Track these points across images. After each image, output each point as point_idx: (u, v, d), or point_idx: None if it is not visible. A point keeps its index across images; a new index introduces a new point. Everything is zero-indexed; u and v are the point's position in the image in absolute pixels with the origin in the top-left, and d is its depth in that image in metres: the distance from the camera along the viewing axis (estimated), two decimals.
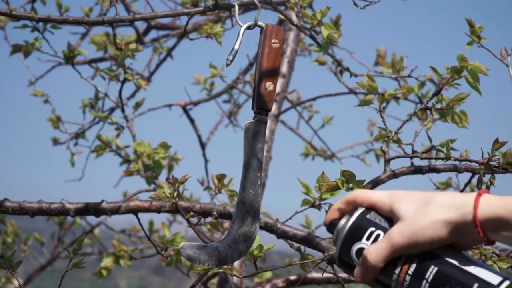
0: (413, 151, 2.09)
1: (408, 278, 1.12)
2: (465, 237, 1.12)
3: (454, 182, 2.57)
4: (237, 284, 2.79)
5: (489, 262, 1.81)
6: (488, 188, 1.97)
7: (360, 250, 1.15)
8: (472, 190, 2.59)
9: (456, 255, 1.12)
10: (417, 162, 2.14)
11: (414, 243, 1.11)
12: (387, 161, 2.10)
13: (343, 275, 2.48)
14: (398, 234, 1.12)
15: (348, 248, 1.16)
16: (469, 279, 1.10)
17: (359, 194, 1.18)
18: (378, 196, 1.17)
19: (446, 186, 2.58)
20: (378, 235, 1.15)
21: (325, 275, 2.60)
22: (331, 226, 1.19)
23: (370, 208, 1.17)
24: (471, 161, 2.01)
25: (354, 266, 1.16)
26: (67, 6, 2.61)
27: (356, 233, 1.16)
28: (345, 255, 1.17)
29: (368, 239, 1.15)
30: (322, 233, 2.14)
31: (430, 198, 1.13)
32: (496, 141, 1.91)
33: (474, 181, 2.37)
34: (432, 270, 1.11)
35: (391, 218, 1.15)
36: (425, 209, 1.12)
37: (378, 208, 1.16)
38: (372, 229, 1.15)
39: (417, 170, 2.12)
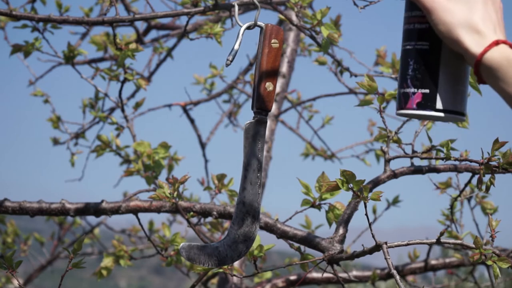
0: (413, 151, 2.09)
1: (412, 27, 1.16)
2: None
3: (454, 182, 2.56)
4: (237, 284, 2.79)
5: (489, 262, 1.81)
6: (488, 188, 1.97)
7: None
8: (472, 190, 2.59)
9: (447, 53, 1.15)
10: (417, 162, 2.15)
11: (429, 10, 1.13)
12: (387, 161, 2.10)
13: (343, 275, 2.48)
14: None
15: None
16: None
17: None
18: None
19: (446, 186, 2.58)
20: None
21: (325, 275, 2.60)
22: None
23: None
24: (471, 161, 2.01)
25: None
26: (67, 6, 2.61)
27: None
28: None
29: None
30: (322, 233, 2.14)
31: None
32: (496, 141, 1.91)
33: (474, 181, 2.37)
34: (424, 45, 1.15)
35: None
36: (460, 4, 1.12)
37: None
38: None
39: (417, 170, 2.12)
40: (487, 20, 1.12)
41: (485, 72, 1.11)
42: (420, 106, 1.15)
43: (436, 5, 1.12)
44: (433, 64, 1.15)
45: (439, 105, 1.14)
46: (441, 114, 1.15)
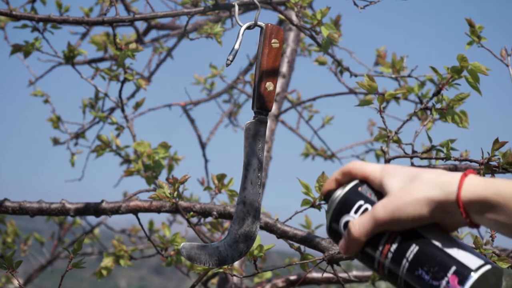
0: (413, 151, 2.09)
1: (389, 255, 1.11)
2: (448, 217, 1.09)
3: None
4: (237, 284, 2.79)
5: None
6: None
7: (347, 223, 1.14)
8: None
9: (440, 236, 1.10)
10: (417, 162, 2.14)
11: (396, 219, 1.09)
12: (387, 161, 2.09)
13: (343, 275, 2.48)
14: (381, 208, 1.10)
15: (337, 219, 1.16)
16: (448, 261, 1.08)
17: (355, 165, 1.16)
18: (371, 168, 1.15)
19: None
20: (366, 209, 1.14)
21: (325, 275, 2.60)
22: (326, 196, 1.19)
23: (363, 180, 1.16)
24: (471, 161, 2.01)
25: (341, 237, 1.16)
26: (67, 6, 2.61)
27: (346, 205, 1.15)
28: (335, 225, 1.16)
29: (356, 212, 1.14)
30: (322, 233, 2.15)
31: (417, 175, 1.10)
32: (496, 141, 1.91)
33: None
34: (413, 249, 1.10)
35: (381, 192, 1.14)
36: (410, 185, 1.09)
37: (370, 181, 1.15)
38: (361, 202, 1.14)
39: None
40: (436, 174, 1.10)
41: (482, 211, 1.07)
42: (461, 283, 1.08)
43: (391, 207, 1.10)
44: (440, 252, 1.10)
45: (473, 266, 1.08)
46: (484, 268, 1.08)
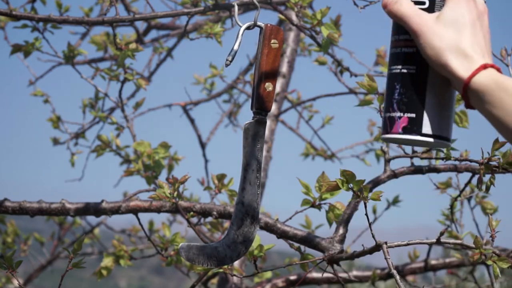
0: (413, 151, 2.09)
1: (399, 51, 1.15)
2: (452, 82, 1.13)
3: (454, 182, 2.57)
4: (237, 284, 2.79)
5: (489, 262, 1.81)
6: (488, 188, 1.97)
7: None
8: (472, 190, 2.59)
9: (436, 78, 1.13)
10: (417, 162, 2.15)
11: (420, 39, 1.11)
12: (387, 161, 2.10)
13: (343, 275, 2.48)
14: (420, 20, 1.12)
15: None
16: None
17: None
18: None
19: (446, 186, 2.58)
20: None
21: (325, 275, 2.60)
22: None
23: None
24: (471, 161, 2.01)
25: None
26: (67, 6, 2.61)
27: None
28: None
29: None
30: (323, 233, 2.14)
31: (467, 25, 1.11)
32: (496, 141, 1.91)
33: (474, 181, 2.37)
34: (411, 69, 1.13)
35: None
36: (450, 30, 1.11)
37: None
38: None
39: (417, 170, 2.12)
40: (475, 44, 1.11)
41: (473, 96, 1.10)
42: (405, 131, 1.13)
43: (424, 28, 1.11)
44: (420, 88, 1.13)
45: (425, 129, 1.13)
46: (427, 139, 1.13)
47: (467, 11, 1.12)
